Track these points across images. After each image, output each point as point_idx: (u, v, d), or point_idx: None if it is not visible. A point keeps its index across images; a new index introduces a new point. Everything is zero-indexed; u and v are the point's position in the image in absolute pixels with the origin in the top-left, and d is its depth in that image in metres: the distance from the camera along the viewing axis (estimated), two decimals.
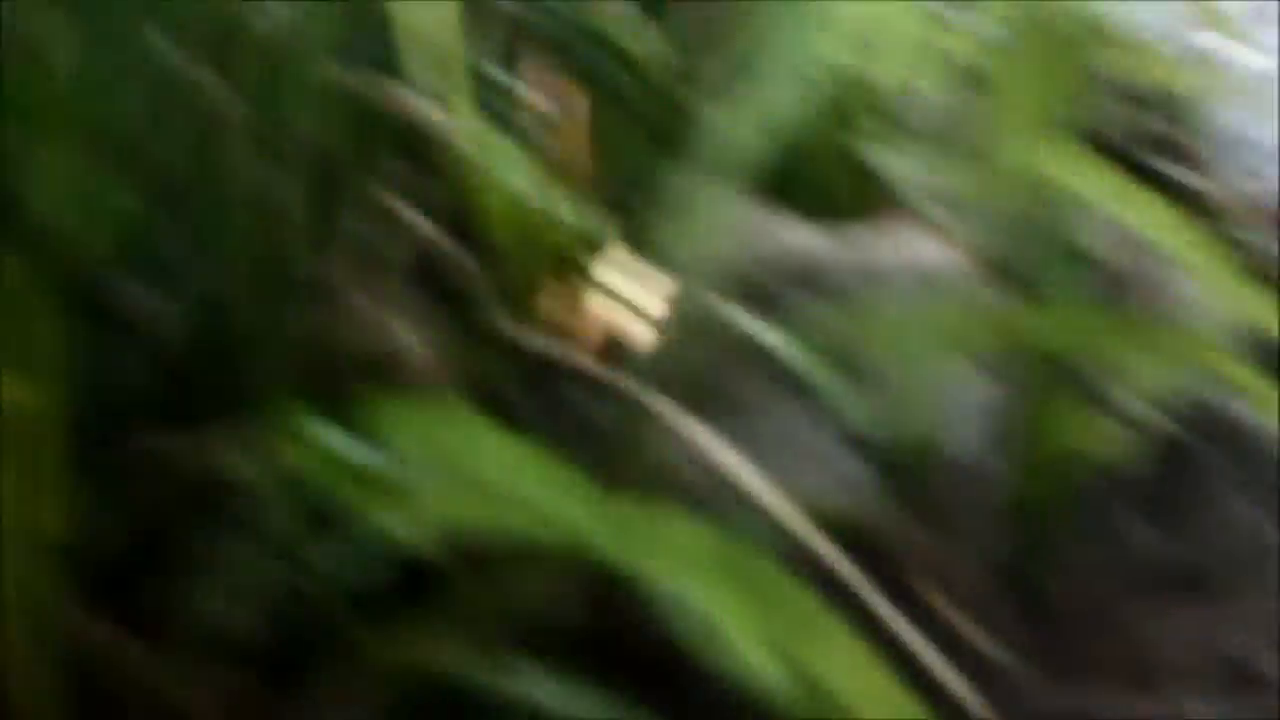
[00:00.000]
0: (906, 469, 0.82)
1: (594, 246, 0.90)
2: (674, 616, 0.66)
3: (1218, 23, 1.60)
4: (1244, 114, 1.61)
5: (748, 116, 0.94)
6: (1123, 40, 1.48)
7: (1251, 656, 0.97)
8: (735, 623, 0.63)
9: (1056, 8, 1.13)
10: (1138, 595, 0.99)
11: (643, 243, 0.87)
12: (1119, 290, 1.09)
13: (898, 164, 1.12)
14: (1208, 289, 1.01)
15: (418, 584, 0.74)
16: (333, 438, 0.68)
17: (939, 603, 0.81)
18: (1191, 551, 1.03)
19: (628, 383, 0.75)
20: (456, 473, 0.66)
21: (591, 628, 0.75)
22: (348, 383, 0.80)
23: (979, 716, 0.71)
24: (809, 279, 0.94)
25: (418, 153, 0.93)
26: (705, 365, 0.80)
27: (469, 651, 0.72)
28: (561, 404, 0.84)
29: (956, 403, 0.88)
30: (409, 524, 0.67)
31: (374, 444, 0.66)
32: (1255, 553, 1.04)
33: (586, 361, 0.79)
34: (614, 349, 0.91)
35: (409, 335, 0.78)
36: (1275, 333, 0.90)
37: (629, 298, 0.92)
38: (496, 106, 1.10)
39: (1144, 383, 0.95)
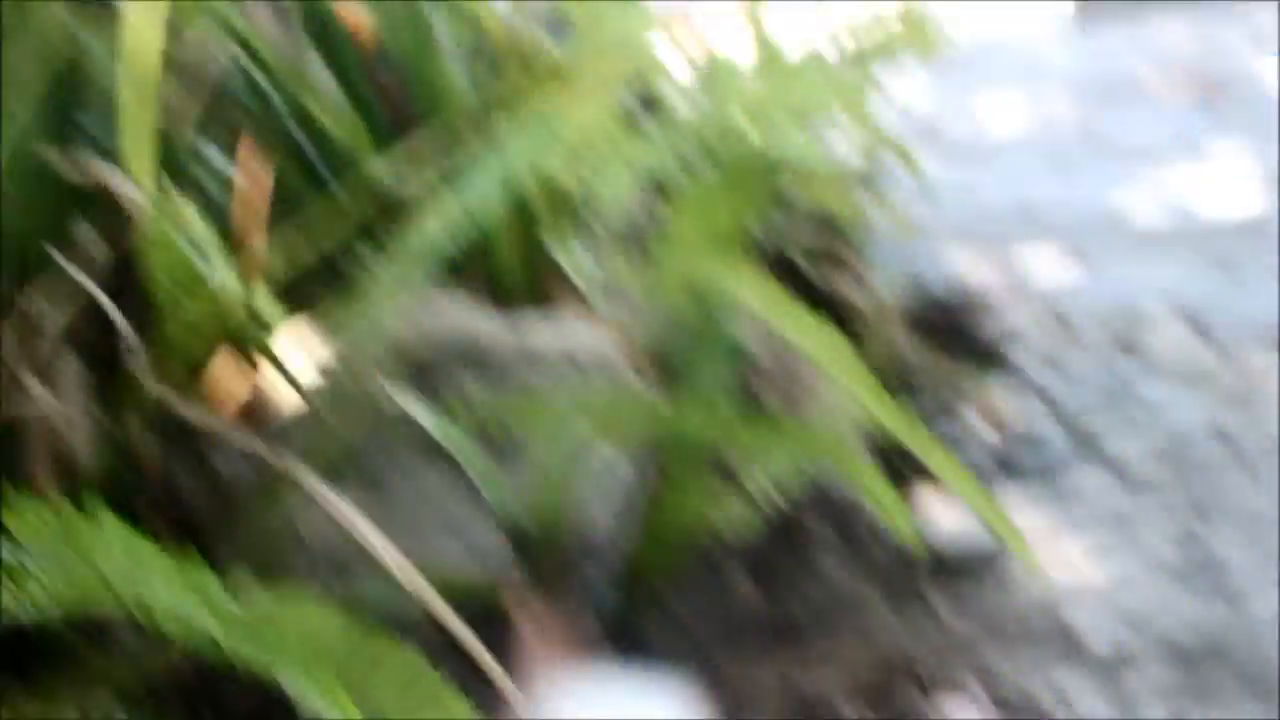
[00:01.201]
0: (539, 539, 0.81)
1: (258, 316, 0.87)
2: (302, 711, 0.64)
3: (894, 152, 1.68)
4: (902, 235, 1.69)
5: (445, 211, 0.93)
6: (804, 167, 1.53)
7: (828, 696, 1.00)
8: None
9: (742, 134, 1.17)
10: (732, 642, 1.02)
11: (315, 315, 0.85)
12: (764, 387, 1.12)
13: (576, 258, 1.13)
14: (838, 389, 1.04)
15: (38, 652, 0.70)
16: None
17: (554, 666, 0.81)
18: (787, 606, 1.06)
19: (266, 448, 0.72)
20: (78, 564, 0.63)
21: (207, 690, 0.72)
22: None
23: None
24: (472, 358, 0.94)
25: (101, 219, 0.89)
26: (351, 435, 0.78)
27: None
28: (204, 466, 0.80)
29: (596, 479, 0.88)
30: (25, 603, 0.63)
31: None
32: (846, 609, 1.09)
33: (229, 426, 0.75)
34: (263, 415, 0.88)
35: (55, 400, 0.74)
36: (888, 428, 0.94)
37: (288, 367, 0.90)
38: (197, 179, 1.07)
39: (771, 466, 0.98)
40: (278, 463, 0.70)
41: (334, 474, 0.75)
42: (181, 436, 0.78)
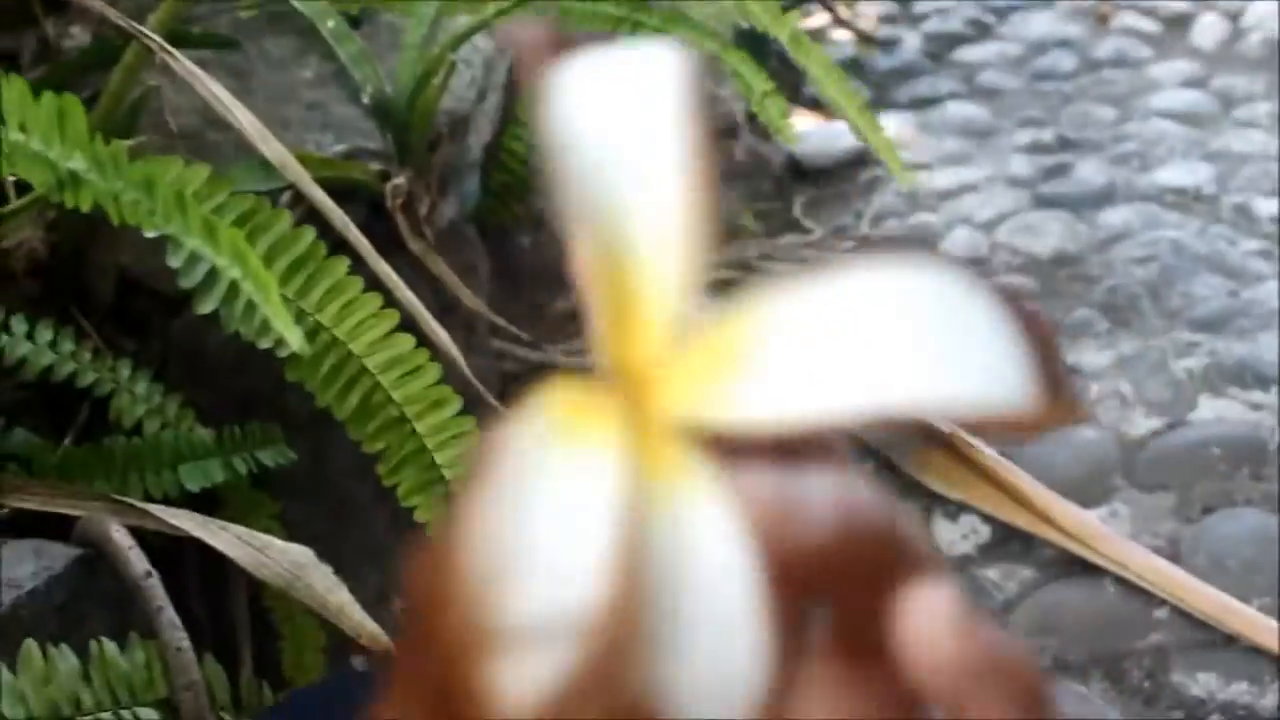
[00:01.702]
0: (404, 121, 0.76)
1: None
2: (186, 274, 0.59)
3: None
4: None
5: None
6: None
7: None
8: (256, 282, 0.57)
9: None
10: None
11: None
12: None
13: None
14: None
15: None
16: None
17: (430, 259, 0.78)
18: None
19: (110, 10, 0.65)
20: None
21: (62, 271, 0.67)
22: None
23: (462, 367, 0.69)
24: None
25: None
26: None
27: None
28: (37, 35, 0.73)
29: (458, 58, 0.83)
30: None
31: None
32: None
33: None
34: None
35: None
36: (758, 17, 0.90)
37: None
38: None
39: None
40: (124, 24, 0.63)
41: (187, 50, 0.68)
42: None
